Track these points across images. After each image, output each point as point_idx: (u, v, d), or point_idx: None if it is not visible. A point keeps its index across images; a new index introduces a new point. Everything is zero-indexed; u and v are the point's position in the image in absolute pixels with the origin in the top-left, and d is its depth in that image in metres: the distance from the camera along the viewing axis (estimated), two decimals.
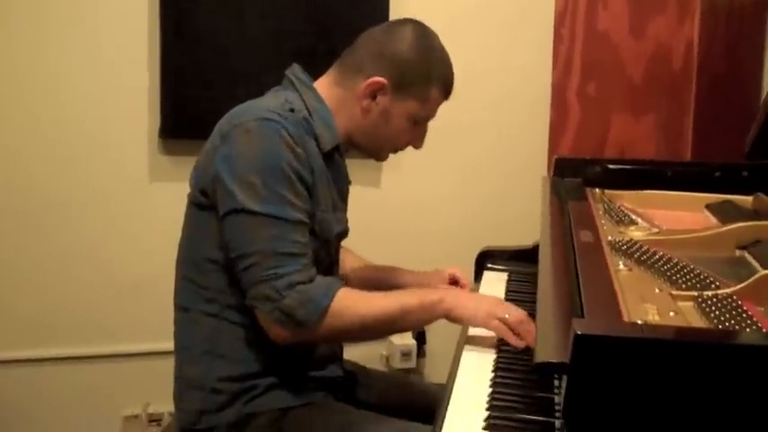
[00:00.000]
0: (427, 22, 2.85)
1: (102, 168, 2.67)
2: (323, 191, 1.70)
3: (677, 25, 2.86)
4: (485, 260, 2.29)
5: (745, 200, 2.12)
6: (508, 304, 1.67)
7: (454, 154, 2.98)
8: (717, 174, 2.19)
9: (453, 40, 1.97)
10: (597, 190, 2.21)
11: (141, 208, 2.72)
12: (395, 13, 2.77)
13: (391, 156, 2.84)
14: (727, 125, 2.97)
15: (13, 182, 2.61)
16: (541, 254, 1.52)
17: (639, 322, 1.19)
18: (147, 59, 2.64)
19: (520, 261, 2.28)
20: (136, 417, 2.78)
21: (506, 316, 1.63)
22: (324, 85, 1.77)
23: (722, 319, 1.28)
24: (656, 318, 1.27)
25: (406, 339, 2.97)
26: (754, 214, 2.02)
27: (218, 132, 1.67)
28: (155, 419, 2.79)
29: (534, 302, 1.87)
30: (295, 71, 1.78)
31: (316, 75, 1.81)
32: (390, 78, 1.70)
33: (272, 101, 1.69)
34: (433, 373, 3.05)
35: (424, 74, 1.73)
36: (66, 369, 2.72)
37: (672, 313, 1.30)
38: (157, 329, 2.79)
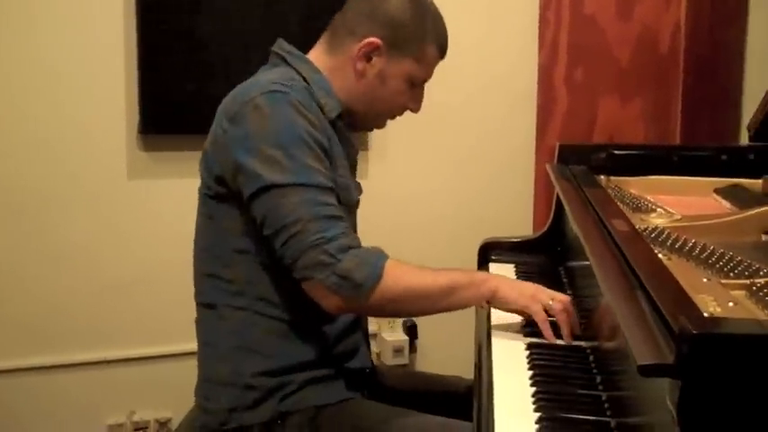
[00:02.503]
0: None
1: (79, 167, 2.54)
2: (339, 156, 1.65)
3: (664, 7, 2.84)
4: (488, 252, 2.22)
5: (754, 183, 2.10)
6: (553, 291, 1.62)
7: (441, 142, 2.92)
8: (723, 157, 2.16)
9: None
10: (603, 177, 2.17)
11: (121, 207, 2.60)
12: None
13: (377, 145, 2.81)
14: (713, 107, 2.96)
15: None
16: (587, 246, 1.45)
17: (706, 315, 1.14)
18: (124, 53, 2.52)
19: (523, 252, 2.23)
20: (120, 425, 2.67)
21: (550, 302, 1.58)
22: (316, 55, 1.71)
23: None
24: (718, 309, 1.22)
25: (397, 335, 2.90)
26: (766, 197, 2.00)
27: (225, 116, 1.59)
28: (140, 428, 2.68)
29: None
30: (283, 45, 1.72)
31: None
32: (384, 38, 1.65)
33: (270, 75, 1.63)
34: (426, 369, 2.98)
35: (419, 31, 1.68)
36: (45, 378, 2.59)
37: (731, 303, 1.25)
38: (141, 334, 2.70)
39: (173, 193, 2.60)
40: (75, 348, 2.61)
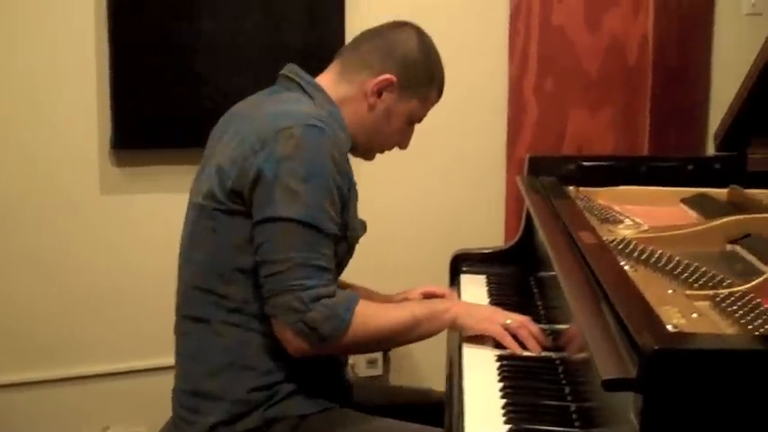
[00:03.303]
0: (380, 19, 2.81)
1: (51, 183, 2.52)
2: (354, 195, 1.70)
3: (632, 18, 2.87)
4: (459, 263, 2.24)
5: (720, 192, 2.13)
6: (509, 312, 1.69)
7: (412, 154, 2.87)
8: (690, 167, 2.20)
9: None
10: (572, 187, 2.19)
11: (94, 222, 2.58)
12: (350, 9, 2.70)
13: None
14: (681, 118, 3.00)
15: None
16: (555, 259, 1.48)
17: (670, 328, 1.16)
18: (96, 66, 2.50)
19: (495, 263, 2.25)
20: None
21: (508, 321, 1.65)
22: (327, 83, 1.74)
23: (748, 318, 1.25)
24: (682, 321, 1.24)
25: None
26: (732, 206, 2.03)
27: (257, 138, 1.59)
28: None
29: (519, 304, 1.88)
30: (296, 71, 1.75)
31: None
32: (399, 77, 1.72)
33: (300, 106, 1.66)
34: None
35: (428, 76, 1.77)
36: (16, 395, 2.57)
37: (694, 315, 1.27)
38: (114, 349, 2.68)
39: (146, 208, 2.60)
40: (47, 364, 2.59)
